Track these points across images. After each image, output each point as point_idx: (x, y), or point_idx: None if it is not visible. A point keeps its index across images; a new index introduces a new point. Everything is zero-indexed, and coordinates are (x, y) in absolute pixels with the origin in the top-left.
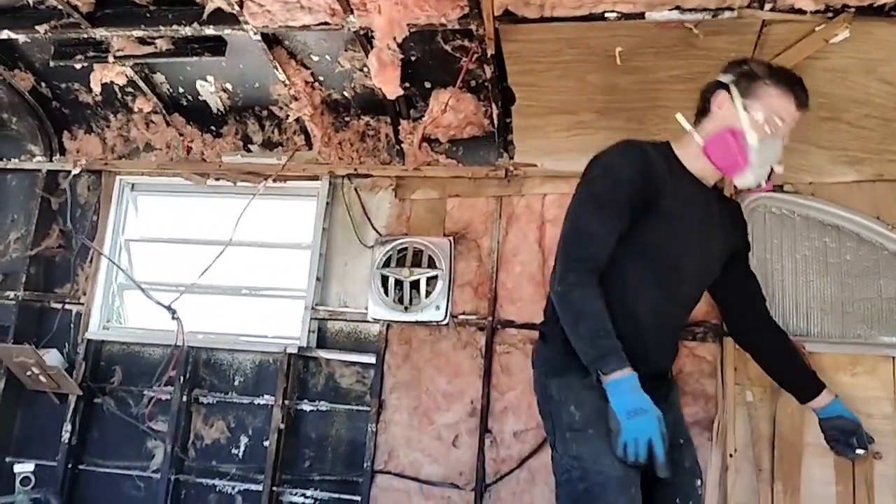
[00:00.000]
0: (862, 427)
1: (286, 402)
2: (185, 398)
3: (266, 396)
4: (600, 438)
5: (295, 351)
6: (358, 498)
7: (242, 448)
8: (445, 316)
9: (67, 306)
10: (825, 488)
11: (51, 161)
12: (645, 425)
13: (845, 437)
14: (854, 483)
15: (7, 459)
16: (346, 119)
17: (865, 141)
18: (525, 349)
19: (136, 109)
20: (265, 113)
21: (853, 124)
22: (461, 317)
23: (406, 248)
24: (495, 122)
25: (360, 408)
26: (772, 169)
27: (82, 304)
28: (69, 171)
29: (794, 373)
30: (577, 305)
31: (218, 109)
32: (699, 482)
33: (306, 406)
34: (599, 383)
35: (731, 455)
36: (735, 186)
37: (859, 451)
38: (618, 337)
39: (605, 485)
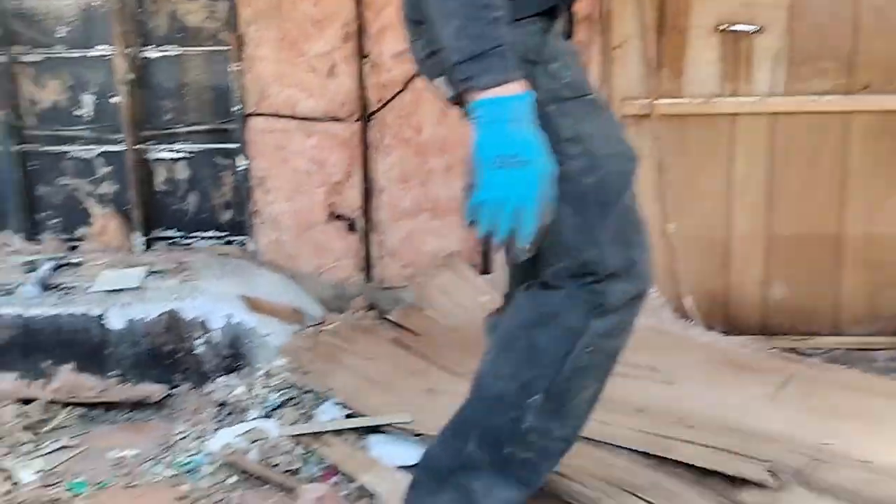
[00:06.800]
0: None
1: (127, 50)
2: (3, 58)
3: (102, 47)
4: (600, 108)
5: None
6: (234, 145)
7: (88, 108)
8: None
9: None
10: (708, 68)
11: None
12: (518, 183)
13: None
14: (737, 60)
15: None
16: None
17: None
18: None
19: None
20: None
21: None
22: None
23: None
24: None
25: (217, 47)
26: None
27: None
28: None
29: None
30: None
31: None
32: None
33: (153, 53)
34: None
35: (616, 47)
36: None
37: None
38: None
39: (625, 172)
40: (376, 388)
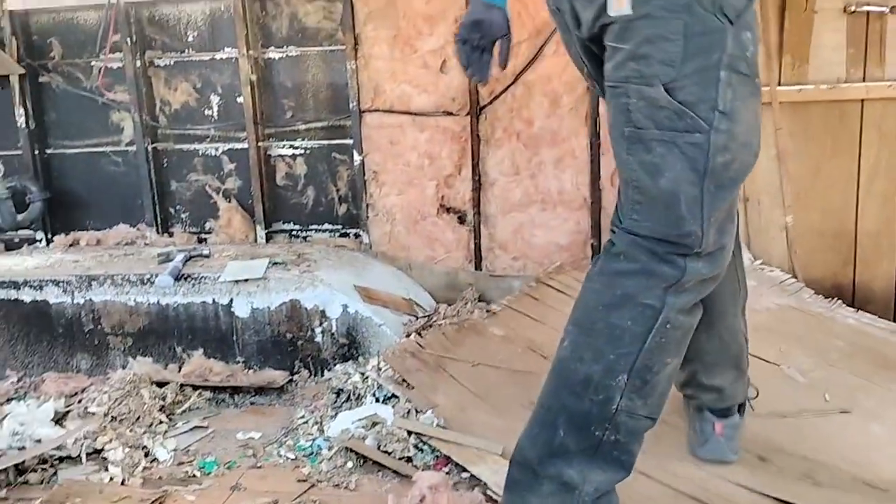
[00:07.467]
0: None
1: (250, 51)
2: (138, 63)
3: (227, 49)
4: (759, 96)
5: None
6: (349, 141)
7: (215, 108)
8: None
9: None
10: (835, 54)
11: None
12: None
13: None
14: (867, 42)
15: None
16: None
17: None
18: None
19: None
20: None
21: None
22: None
23: None
24: None
25: (334, 47)
26: None
27: None
28: None
29: None
30: None
31: None
32: None
33: (274, 54)
34: None
35: None
36: None
37: None
38: None
39: (748, 165)
40: (479, 406)
